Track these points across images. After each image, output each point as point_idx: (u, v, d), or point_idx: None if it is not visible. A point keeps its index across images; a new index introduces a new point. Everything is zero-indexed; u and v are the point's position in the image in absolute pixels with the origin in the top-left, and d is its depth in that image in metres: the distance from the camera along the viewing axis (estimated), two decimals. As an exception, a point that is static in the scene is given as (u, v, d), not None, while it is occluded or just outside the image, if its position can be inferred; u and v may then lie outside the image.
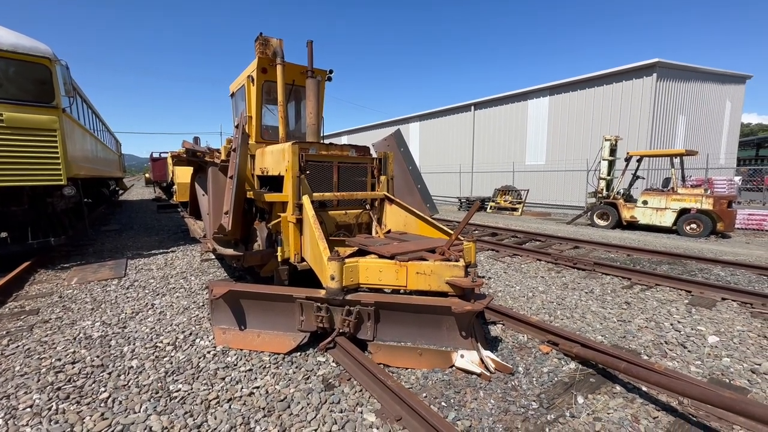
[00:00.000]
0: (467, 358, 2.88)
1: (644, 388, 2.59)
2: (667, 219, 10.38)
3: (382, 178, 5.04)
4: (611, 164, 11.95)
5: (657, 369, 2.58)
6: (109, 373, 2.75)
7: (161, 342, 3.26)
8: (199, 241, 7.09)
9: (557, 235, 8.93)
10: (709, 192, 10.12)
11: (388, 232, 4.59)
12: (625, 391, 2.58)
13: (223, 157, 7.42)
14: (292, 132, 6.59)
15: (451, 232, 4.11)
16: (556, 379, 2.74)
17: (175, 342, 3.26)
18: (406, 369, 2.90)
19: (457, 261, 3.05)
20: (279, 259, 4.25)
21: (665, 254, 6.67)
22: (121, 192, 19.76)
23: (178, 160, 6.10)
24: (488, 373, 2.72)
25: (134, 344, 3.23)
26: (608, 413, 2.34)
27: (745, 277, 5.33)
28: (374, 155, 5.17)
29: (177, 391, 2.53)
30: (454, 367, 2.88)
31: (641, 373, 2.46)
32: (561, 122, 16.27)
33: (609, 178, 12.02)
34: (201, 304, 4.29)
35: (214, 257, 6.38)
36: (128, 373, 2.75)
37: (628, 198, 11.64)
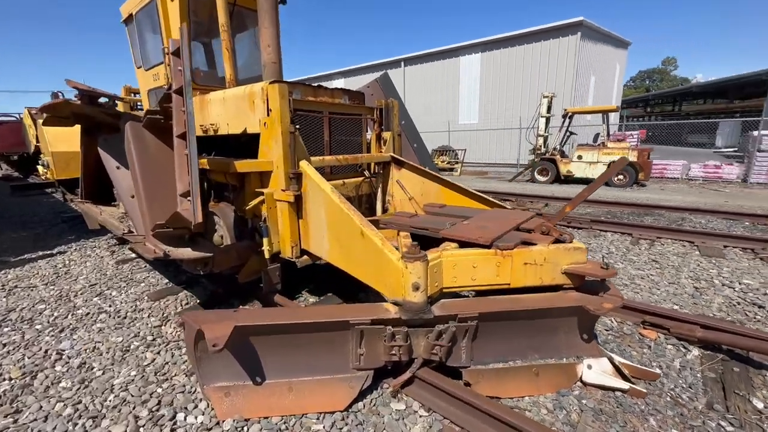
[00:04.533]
0: (596, 369, 2.16)
1: (793, 370, 2.22)
2: (599, 171, 11.21)
3: (386, 134, 3.88)
4: (548, 121, 12.38)
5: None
6: None
7: (109, 434, 1.83)
8: (114, 237, 5.05)
9: (517, 193, 8.88)
10: (632, 145, 11.17)
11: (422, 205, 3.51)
12: (779, 379, 2.17)
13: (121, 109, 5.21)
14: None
15: (492, 200, 3.29)
16: (698, 376, 2.22)
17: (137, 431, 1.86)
18: (522, 398, 2.07)
19: (570, 241, 2.24)
20: (267, 255, 2.93)
21: (636, 206, 6.97)
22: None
23: (55, 115, 3.94)
24: (642, 390, 2.04)
25: (52, 449, 1.74)
26: (801, 417, 1.88)
27: (721, 223, 5.75)
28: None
29: None
30: (580, 384, 2.15)
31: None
32: (493, 80, 16.36)
33: (546, 134, 12.49)
34: (149, 336, 2.78)
35: (135, 256, 4.54)
36: None
37: (562, 154, 12.30)
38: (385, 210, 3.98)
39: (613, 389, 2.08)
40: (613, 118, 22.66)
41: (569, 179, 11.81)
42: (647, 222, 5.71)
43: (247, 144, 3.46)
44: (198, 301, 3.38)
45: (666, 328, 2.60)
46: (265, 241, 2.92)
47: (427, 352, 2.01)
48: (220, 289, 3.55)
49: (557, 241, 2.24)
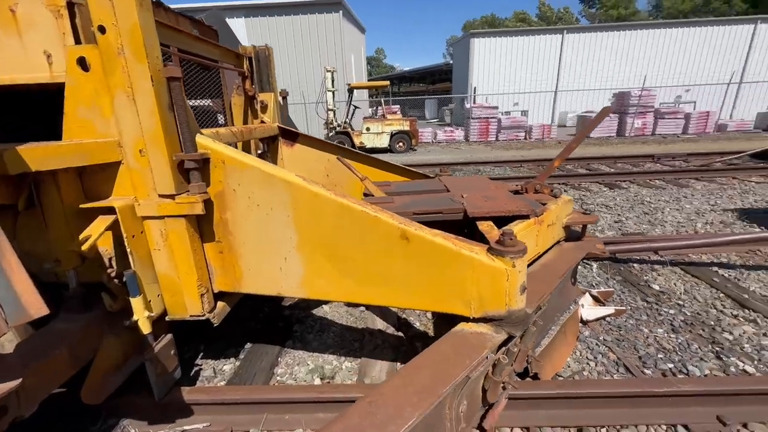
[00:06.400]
0: (587, 305, 2.39)
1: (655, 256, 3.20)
2: (384, 141, 12.75)
3: (265, 96, 2.76)
4: (334, 95, 12.76)
5: (674, 237, 3.24)
6: None
7: None
8: None
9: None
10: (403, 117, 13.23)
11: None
12: (655, 267, 3.09)
13: None
14: None
15: (415, 170, 3.03)
16: (616, 280, 2.85)
17: None
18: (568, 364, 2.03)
19: (558, 195, 2.27)
20: (146, 329, 1.55)
21: (434, 165, 8.30)
22: None
23: None
24: (621, 308, 2.39)
25: None
26: (684, 296, 2.74)
27: (500, 169, 7.67)
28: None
29: None
30: (586, 326, 2.31)
31: (668, 246, 3.00)
32: (264, 50, 15.12)
33: (334, 108, 12.89)
34: None
35: None
36: None
37: (350, 127, 13.15)
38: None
39: (605, 317, 2.35)
40: (366, 95, 26.30)
41: (362, 149, 12.83)
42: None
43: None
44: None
45: (572, 254, 3.19)
46: (135, 303, 1.48)
47: (521, 364, 1.57)
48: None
49: (553, 197, 2.22)
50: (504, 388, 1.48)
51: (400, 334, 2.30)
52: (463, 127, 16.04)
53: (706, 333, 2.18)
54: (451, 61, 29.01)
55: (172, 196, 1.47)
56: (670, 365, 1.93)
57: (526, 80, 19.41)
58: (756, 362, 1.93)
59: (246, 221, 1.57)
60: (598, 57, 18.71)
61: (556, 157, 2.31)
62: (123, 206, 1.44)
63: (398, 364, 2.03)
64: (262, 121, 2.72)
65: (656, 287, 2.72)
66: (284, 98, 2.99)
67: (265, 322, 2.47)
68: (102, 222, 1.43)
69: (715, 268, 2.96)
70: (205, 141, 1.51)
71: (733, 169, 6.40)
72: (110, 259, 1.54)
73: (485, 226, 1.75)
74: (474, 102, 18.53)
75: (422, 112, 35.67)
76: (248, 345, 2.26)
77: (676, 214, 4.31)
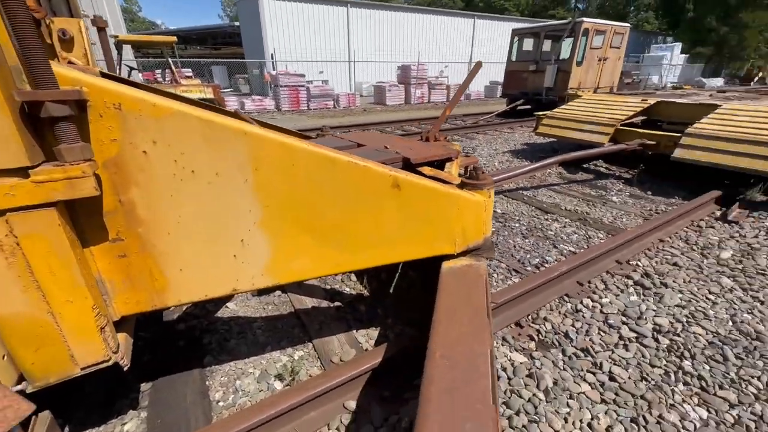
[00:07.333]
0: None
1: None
2: (183, 112, 10.61)
3: (67, 25, 1.84)
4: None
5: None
6: None
7: None
8: None
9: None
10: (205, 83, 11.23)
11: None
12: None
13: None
14: None
15: (294, 130, 2.79)
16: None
17: None
18: (479, 279, 2.43)
19: (450, 142, 2.54)
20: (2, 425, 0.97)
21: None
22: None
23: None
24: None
25: None
26: (516, 213, 3.65)
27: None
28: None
29: None
30: (473, 248, 2.79)
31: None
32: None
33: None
34: None
35: None
36: None
37: (129, 94, 10.21)
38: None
39: (485, 239, 2.91)
40: (129, 55, 20.62)
41: (154, 124, 10.29)
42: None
43: None
44: None
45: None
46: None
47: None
48: None
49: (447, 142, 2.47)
50: (482, 309, 1.66)
51: (338, 303, 2.16)
52: (269, 95, 15.17)
53: (541, 234, 3.05)
54: (237, 24, 26.08)
55: (22, 171, 0.82)
56: (538, 260, 2.62)
57: (324, 49, 19.87)
58: (571, 244, 2.87)
59: (172, 199, 1.05)
60: (381, 32, 21.01)
61: (445, 108, 2.57)
62: None
63: (355, 331, 1.92)
64: (70, 62, 1.76)
65: (499, 211, 3.55)
66: (101, 30, 1.99)
67: (155, 347, 1.79)
68: None
69: (521, 192, 4.11)
70: (73, 72, 0.88)
71: (491, 124, 8.79)
72: None
73: (430, 171, 1.80)
74: (274, 69, 17.65)
75: (209, 80, 31.26)
76: (145, 386, 1.60)
77: (480, 159, 5.62)
